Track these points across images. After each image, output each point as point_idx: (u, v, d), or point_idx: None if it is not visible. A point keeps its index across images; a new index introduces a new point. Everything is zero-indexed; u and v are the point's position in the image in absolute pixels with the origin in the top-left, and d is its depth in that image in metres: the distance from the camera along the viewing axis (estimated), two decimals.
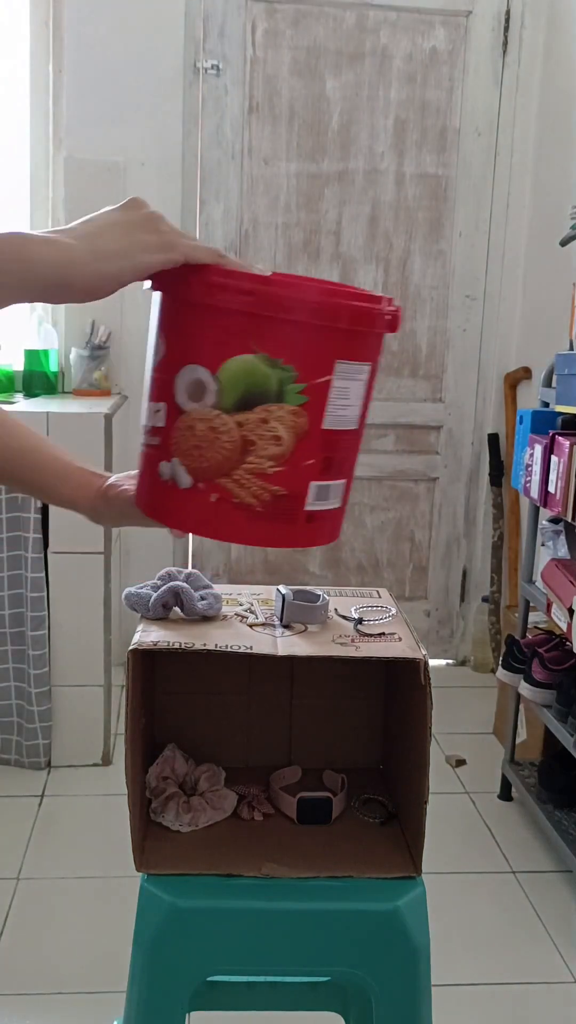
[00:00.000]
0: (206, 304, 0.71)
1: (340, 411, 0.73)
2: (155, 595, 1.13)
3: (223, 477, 0.72)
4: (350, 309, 0.72)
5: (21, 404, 2.63)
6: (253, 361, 0.70)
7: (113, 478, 0.97)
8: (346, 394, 0.73)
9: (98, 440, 2.35)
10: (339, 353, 0.71)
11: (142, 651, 1.04)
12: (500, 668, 2.33)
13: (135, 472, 0.84)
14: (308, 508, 0.74)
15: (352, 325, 0.72)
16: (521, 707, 2.40)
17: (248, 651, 1.04)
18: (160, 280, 0.72)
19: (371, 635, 1.10)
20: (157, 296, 0.76)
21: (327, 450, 0.73)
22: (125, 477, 0.96)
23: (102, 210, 0.74)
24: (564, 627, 2.01)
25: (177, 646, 1.04)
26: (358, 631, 1.11)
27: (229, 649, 1.04)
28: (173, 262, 0.70)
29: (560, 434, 2.04)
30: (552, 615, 2.09)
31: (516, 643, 2.30)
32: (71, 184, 2.82)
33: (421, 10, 2.92)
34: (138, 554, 2.98)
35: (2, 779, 2.42)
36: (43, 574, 2.37)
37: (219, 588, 1.19)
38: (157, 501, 0.78)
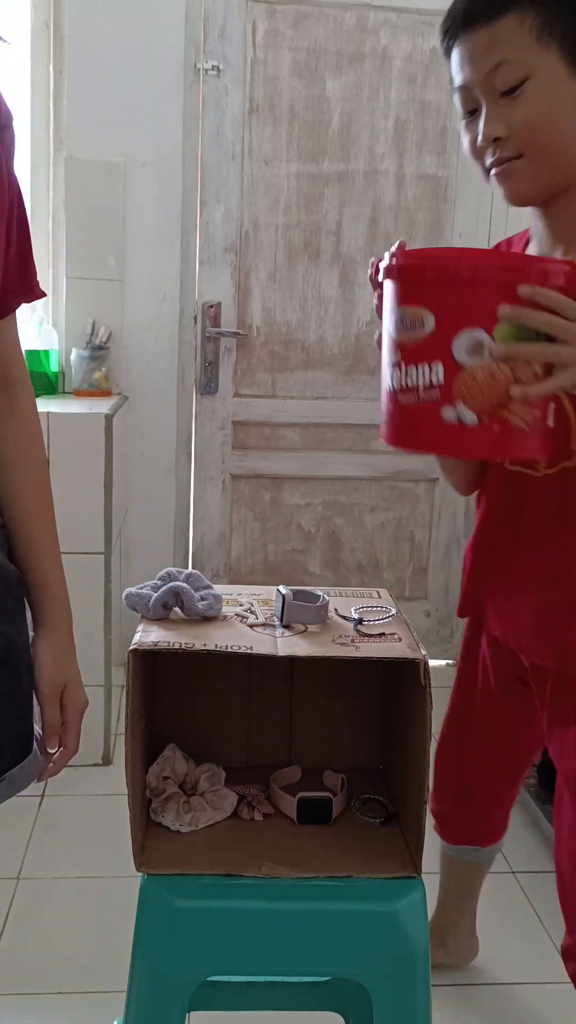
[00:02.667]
0: (475, 282, 0.93)
1: None
2: (155, 595, 1.13)
3: (502, 408, 0.93)
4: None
5: None
6: (518, 330, 0.93)
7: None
8: None
9: (98, 440, 2.35)
10: None
11: (142, 651, 1.04)
12: None
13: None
14: (550, 424, 0.96)
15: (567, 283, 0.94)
16: None
17: (248, 651, 1.04)
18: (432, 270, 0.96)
19: (371, 635, 1.10)
20: (391, 284, 0.99)
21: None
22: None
23: None
24: None
25: (177, 646, 1.04)
26: (358, 631, 1.12)
27: (229, 649, 1.04)
28: None
29: None
30: None
31: None
32: (71, 185, 2.83)
33: (421, 11, 2.92)
34: (138, 554, 2.99)
35: None
36: None
37: (219, 588, 1.19)
38: (443, 440, 0.96)
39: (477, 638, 1.48)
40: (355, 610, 1.18)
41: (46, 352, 2.84)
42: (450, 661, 3.37)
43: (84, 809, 2.30)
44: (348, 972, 1.06)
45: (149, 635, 1.07)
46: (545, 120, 1.05)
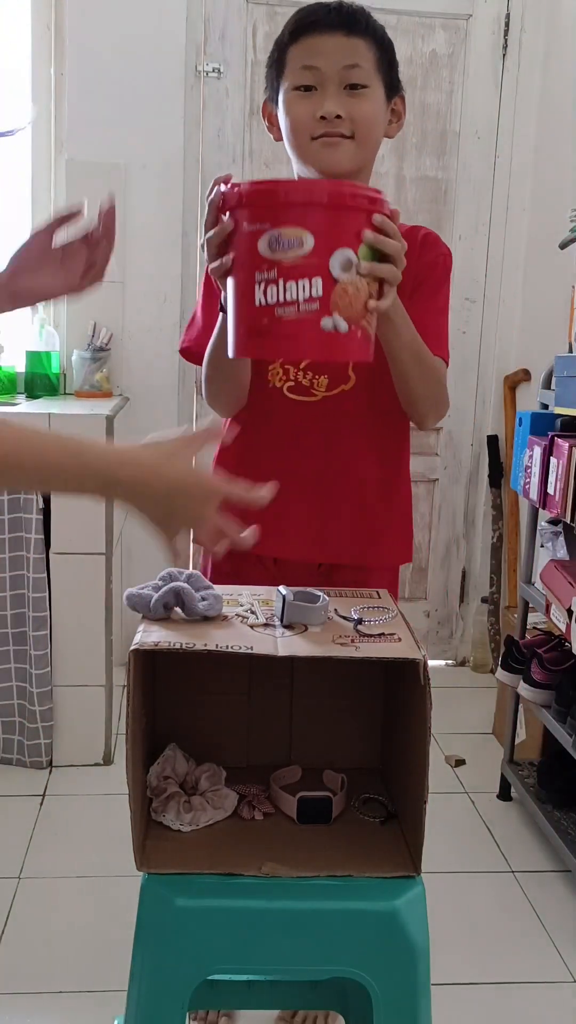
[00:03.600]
0: (349, 207, 1.07)
1: None
2: (156, 595, 1.13)
3: (363, 318, 1.09)
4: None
5: (23, 406, 2.64)
6: (375, 238, 1.09)
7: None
8: None
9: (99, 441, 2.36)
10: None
11: (143, 651, 1.05)
12: (499, 669, 2.34)
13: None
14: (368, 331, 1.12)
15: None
16: (520, 707, 2.41)
17: (249, 651, 1.05)
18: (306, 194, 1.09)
19: (371, 635, 1.11)
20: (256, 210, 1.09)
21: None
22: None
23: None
24: (563, 628, 2.01)
25: (178, 647, 1.05)
26: (358, 631, 1.12)
27: (230, 649, 1.05)
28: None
29: (559, 436, 2.04)
30: (551, 616, 2.09)
31: (515, 644, 2.31)
32: (72, 186, 2.83)
33: (421, 13, 2.93)
34: (140, 555, 2.99)
35: (3, 779, 2.43)
36: (45, 575, 2.38)
37: (220, 589, 1.20)
38: (324, 347, 1.08)
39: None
40: (355, 610, 1.18)
41: (47, 354, 2.85)
42: (449, 661, 3.37)
43: (85, 809, 2.31)
44: (348, 971, 1.06)
45: (150, 635, 1.08)
46: (372, 119, 1.38)
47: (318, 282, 1.05)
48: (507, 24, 2.98)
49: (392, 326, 1.30)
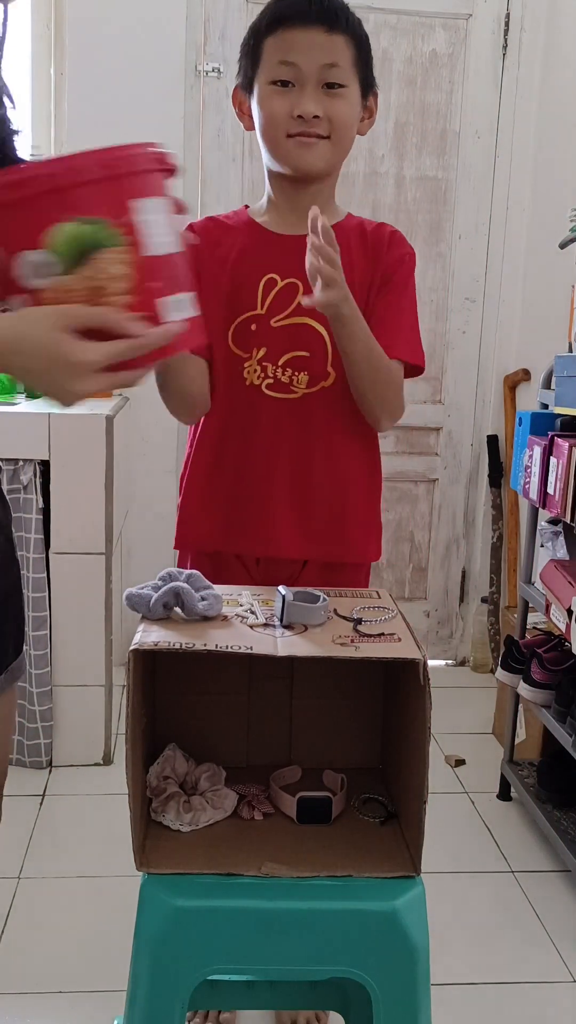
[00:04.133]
0: (11, 200, 0.84)
1: (158, 239, 0.88)
2: (156, 595, 1.13)
3: None
4: (117, 158, 0.87)
5: (23, 405, 2.64)
6: (70, 227, 0.83)
7: None
8: (156, 224, 0.88)
9: (99, 442, 2.36)
10: (128, 195, 0.86)
11: (143, 651, 1.05)
12: (499, 668, 2.34)
13: None
14: (170, 319, 0.88)
15: (130, 168, 0.87)
16: (520, 707, 2.41)
17: (248, 651, 1.05)
18: None
19: (371, 635, 1.11)
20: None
21: (164, 271, 0.89)
22: None
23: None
24: (563, 628, 2.01)
25: (178, 646, 1.04)
26: (358, 631, 1.12)
27: (229, 649, 1.05)
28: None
29: (559, 436, 2.04)
30: (551, 616, 2.09)
31: (515, 644, 2.31)
32: None
33: (421, 13, 2.93)
34: (139, 555, 2.99)
35: None
36: (44, 574, 2.38)
37: (219, 588, 1.20)
38: None
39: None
40: (355, 610, 1.18)
41: None
42: (449, 661, 3.37)
43: (84, 809, 2.31)
44: (348, 971, 1.06)
45: (150, 635, 1.08)
46: (349, 120, 1.37)
47: (21, 301, 0.87)
48: (507, 24, 2.98)
49: (344, 327, 1.31)
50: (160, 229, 0.89)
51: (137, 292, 0.87)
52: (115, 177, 0.87)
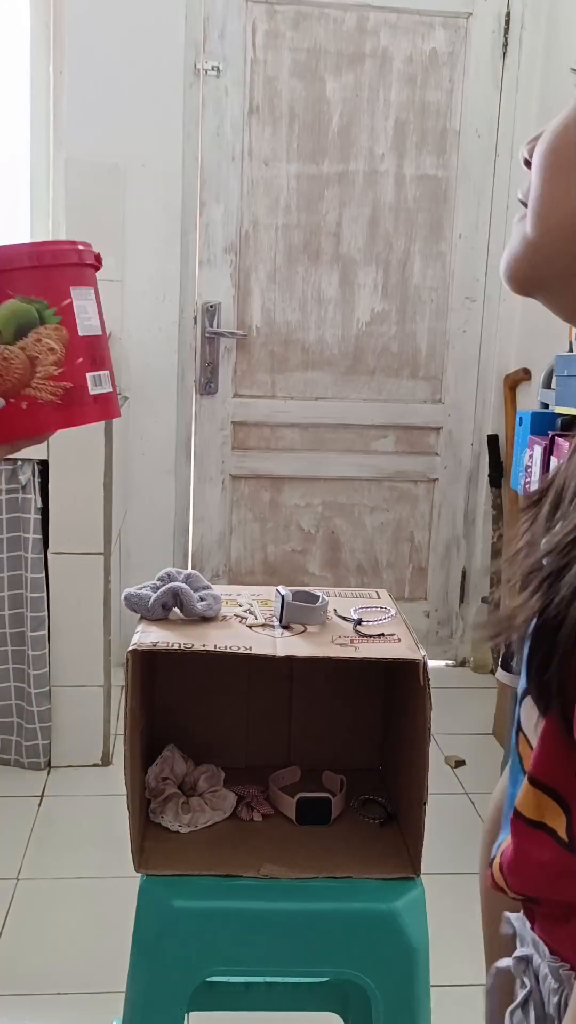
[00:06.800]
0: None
1: (87, 322, 1.01)
2: (154, 596, 1.13)
3: (25, 388, 0.97)
4: (59, 251, 0.99)
5: None
6: (15, 303, 0.96)
7: None
8: (86, 309, 1.00)
9: (98, 441, 2.35)
10: (70, 283, 1.00)
11: (141, 652, 1.04)
12: (499, 669, 2.33)
13: None
14: (92, 393, 0.99)
15: (78, 261, 1.00)
16: None
17: (247, 652, 1.04)
18: None
19: (370, 636, 1.10)
20: None
21: (89, 350, 1.01)
22: None
23: None
24: None
25: (176, 647, 1.04)
26: (357, 632, 1.12)
27: (228, 650, 1.04)
28: None
29: (560, 435, 2.04)
30: None
31: None
32: (71, 186, 2.83)
33: (421, 12, 2.93)
34: (138, 555, 2.99)
35: (2, 779, 2.42)
36: (43, 575, 2.37)
37: (218, 589, 1.19)
38: None
39: None
40: (354, 611, 1.18)
41: None
42: (449, 662, 3.37)
43: (84, 809, 2.30)
44: (347, 972, 1.06)
45: (148, 635, 1.07)
46: None
47: None
48: (507, 22, 2.98)
49: None
50: (91, 314, 1.02)
51: (67, 365, 0.99)
52: (56, 266, 1.01)
